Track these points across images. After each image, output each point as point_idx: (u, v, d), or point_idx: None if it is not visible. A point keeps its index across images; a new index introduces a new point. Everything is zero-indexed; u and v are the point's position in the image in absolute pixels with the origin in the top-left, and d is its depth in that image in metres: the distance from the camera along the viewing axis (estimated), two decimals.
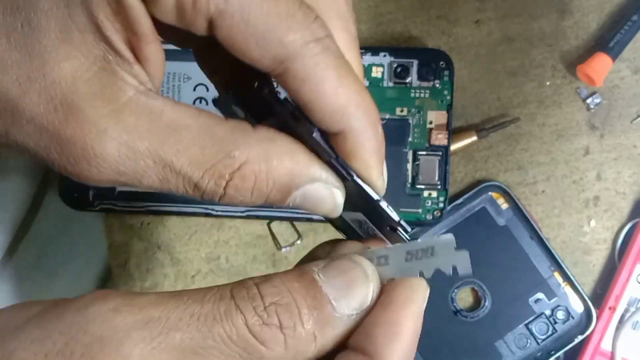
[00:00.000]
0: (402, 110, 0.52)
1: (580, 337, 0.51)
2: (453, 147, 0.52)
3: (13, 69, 0.25)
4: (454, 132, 0.52)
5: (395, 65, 0.52)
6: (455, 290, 0.52)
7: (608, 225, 0.53)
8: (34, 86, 0.25)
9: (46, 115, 0.25)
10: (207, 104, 0.53)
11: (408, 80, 0.52)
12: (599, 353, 0.51)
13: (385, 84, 0.52)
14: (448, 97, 0.52)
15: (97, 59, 0.25)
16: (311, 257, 0.30)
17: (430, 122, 0.52)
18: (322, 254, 0.30)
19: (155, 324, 0.24)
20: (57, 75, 0.25)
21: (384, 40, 0.54)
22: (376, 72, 0.52)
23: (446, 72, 0.52)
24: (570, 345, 0.51)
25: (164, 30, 0.27)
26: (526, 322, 0.51)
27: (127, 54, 0.26)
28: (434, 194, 0.51)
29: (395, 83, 0.52)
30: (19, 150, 0.26)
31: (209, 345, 0.24)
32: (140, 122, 0.25)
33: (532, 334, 0.51)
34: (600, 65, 0.51)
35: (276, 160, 0.27)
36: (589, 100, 0.53)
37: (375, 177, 0.29)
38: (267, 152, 0.26)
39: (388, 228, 0.28)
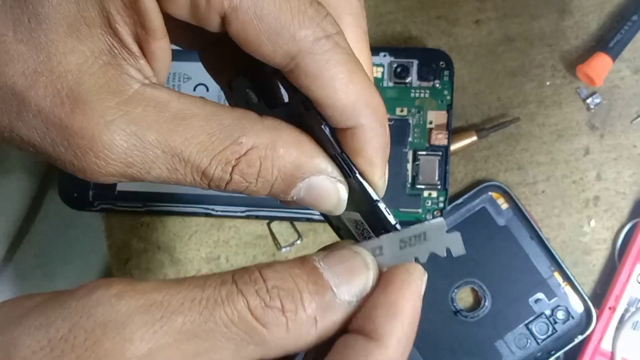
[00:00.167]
0: (402, 110, 0.52)
1: (580, 337, 0.51)
2: (453, 147, 0.52)
3: (19, 62, 0.25)
4: (454, 132, 0.52)
5: (395, 65, 0.52)
6: (455, 290, 0.52)
7: (608, 225, 0.53)
8: (41, 79, 0.25)
9: (53, 108, 0.25)
10: None
11: (408, 80, 0.52)
12: (599, 353, 0.51)
13: (385, 84, 0.52)
14: (448, 97, 0.52)
15: (102, 53, 0.26)
16: None
17: (430, 122, 0.52)
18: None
19: (157, 308, 0.24)
20: (63, 69, 0.25)
21: (384, 40, 0.54)
22: (376, 72, 0.52)
23: (446, 72, 0.52)
24: (570, 345, 0.51)
25: (171, 31, 0.27)
26: (526, 322, 0.51)
27: (134, 48, 0.26)
28: (434, 194, 0.51)
29: (395, 83, 0.52)
30: (22, 145, 0.26)
31: (210, 328, 0.24)
32: (148, 113, 0.26)
33: (532, 334, 0.51)
34: (600, 65, 0.51)
35: (282, 149, 0.27)
36: (589, 100, 0.53)
37: (377, 176, 0.29)
38: (273, 140, 0.27)
39: (383, 231, 0.29)
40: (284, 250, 0.54)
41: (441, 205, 0.51)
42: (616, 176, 0.53)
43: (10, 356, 0.23)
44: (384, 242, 0.28)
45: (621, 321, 0.51)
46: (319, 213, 0.31)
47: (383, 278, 0.27)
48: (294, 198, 0.28)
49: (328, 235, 0.53)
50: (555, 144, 0.53)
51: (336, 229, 0.32)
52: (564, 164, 0.53)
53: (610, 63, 0.52)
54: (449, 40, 0.54)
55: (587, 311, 0.51)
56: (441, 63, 0.52)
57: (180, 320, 0.24)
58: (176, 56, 0.30)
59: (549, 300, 0.51)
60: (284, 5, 0.26)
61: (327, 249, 0.30)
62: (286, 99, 0.30)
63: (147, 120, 0.26)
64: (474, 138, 0.52)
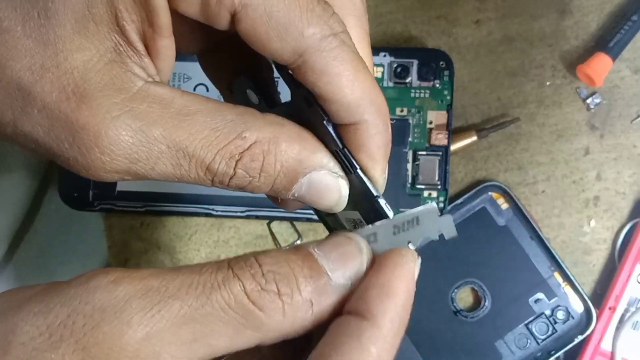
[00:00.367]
0: (402, 110, 0.52)
1: (580, 337, 0.51)
2: (453, 147, 0.52)
3: (26, 57, 0.25)
4: (454, 132, 0.52)
5: (395, 65, 0.52)
6: (455, 290, 0.52)
7: (608, 225, 0.53)
8: (47, 75, 0.25)
9: (58, 103, 0.25)
10: None
11: (408, 80, 0.52)
12: (599, 353, 0.51)
13: (385, 84, 0.52)
14: (448, 97, 0.52)
15: (107, 51, 0.26)
16: None
17: (430, 122, 0.52)
18: None
19: (154, 293, 0.24)
20: (69, 65, 0.25)
21: (384, 40, 0.54)
22: (376, 72, 0.52)
23: (446, 72, 0.52)
24: (570, 345, 0.51)
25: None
26: (526, 322, 0.52)
27: (140, 46, 0.26)
28: (434, 194, 0.51)
29: (395, 83, 0.52)
30: (25, 142, 0.27)
31: (207, 312, 0.24)
32: (153, 109, 0.26)
33: (532, 334, 0.51)
34: (600, 65, 0.51)
35: (285, 143, 0.27)
36: (589, 100, 0.53)
37: (378, 172, 0.29)
38: (276, 134, 0.27)
39: None
40: None
41: (441, 205, 0.51)
42: (616, 176, 0.53)
43: (10, 342, 0.23)
44: (377, 228, 0.28)
45: (621, 321, 0.51)
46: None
47: (376, 261, 0.27)
48: (296, 195, 0.28)
49: None
50: (555, 144, 0.53)
51: (332, 230, 0.32)
52: (564, 164, 0.53)
53: (610, 63, 0.52)
54: (449, 40, 0.54)
55: (587, 311, 0.51)
56: (441, 63, 0.52)
57: (178, 304, 0.24)
58: (176, 56, 0.30)
59: (549, 300, 0.51)
60: (293, 3, 0.26)
61: None
62: (284, 100, 0.30)
63: (152, 116, 0.26)
64: (474, 138, 0.52)
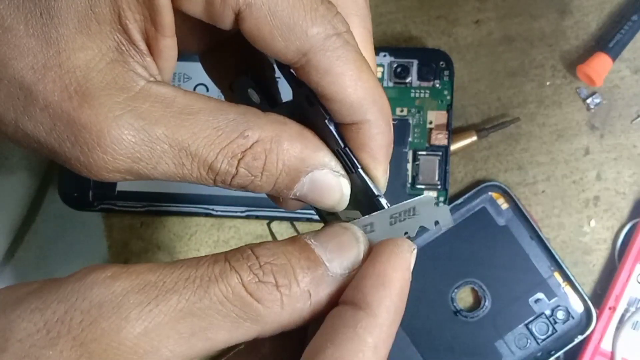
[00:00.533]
0: (402, 110, 0.52)
1: (580, 337, 0.51)
2: (453, 147, 0.52)
3: (29, 56, 0.25)
4: (454, 132, 0.52)
5: (395, 65, 0.52)
6: (455, 290, 0.52)
7: (608, 225, 0.53)
8: (49, 74, 0.25)
9: (61, 102, 0.25)
10: None
11: (408, 80, 0.52)
12: (599, 353, 0.51)
13: (385, 84, 0.52)
14: (448, 97, 0.52)
15: (110, 50, 0.26)
16: None
17: (430, 122, 0.52)
18: None
19: (151, 287, 0.24)
20: (72, 64, 0.25)
21: (384, 40, 0.54)
22: (376, 72, 0.52)
23: (446, 72, 0.52)
24: (570, 345, 0.51)
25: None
26: (526, 322, 0.51)
27: (142, 45, 0.26)
28: (434, 194, 0.51)
29: (395, 83, 0.52)
30: (27, 141, 0.27)
31: (205, 305, 0.24)
32: (155, 108, 0.26)
33: (532, 334, 0.51)
34: (600, 65, 0.51)
35: (287, 142, 0.27)
36: (589, 100, 0.53)
37: (380, 172, 0.29)
38: (278, 133, 0.27)
39: None
40: None
41: (443, 204, 0.51)
42: (616, 176, 0.53)
43: (7, 339, 0.23)
44: (374, 218, 0.28)
45: (621, 321, 0.51)
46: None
47: (372, 251, 0.27)
48: (297, 194, 0.28)
49: None
50: (555, 144, 0.53)
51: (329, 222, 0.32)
52: (564, 164, 0.53)
53: (610, 63, 0.52)
54: (449, 40, 0.54)
55: (587, 311, 0.51)
56: (441, 63, 0.52)
57: (175, 298, 0.24)
58: (178, 56, 0.30)
59: (549, 300, 0.51)
60: (297, 2, 0.26)
61: None
62: (285, 99, 0.30)
63: (154, 116, 0.26)
64: (474, 138, 0.52)
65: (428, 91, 0.52)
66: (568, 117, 0.53)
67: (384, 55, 0.52)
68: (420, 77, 0.52)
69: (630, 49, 0.52)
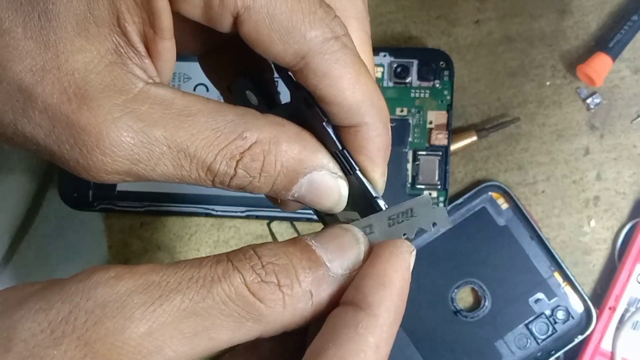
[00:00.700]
0: (402, 110, 0.52)
1: (580, 337, 0.51)
2: (453, 147, 0.52)
3: (27, 58, 0.25)
4: (454, 132, 0.52)
5: (395, 65, 0.52)
6: (455, 290, 0.52)
7: (608, 225, 0.53)
8: (48, 76, 0.25)
9: (60, 105, 0.25)
10: None
11: (408, 80, 0.52)
12: (599, 353, 0.51)
13: (385, 84, 0.52)
14: (448, 97, 0.52)
15: (108, 52, 0.26)
16: None
17: (430, 122, 0.52)
18: None
19: (155, 287, 0.24)
20: (70, 67, 0.25)
21: (384, 40, 0.54)
22: (376, 72, 0.52)
23: (446, 72, 0.52)
24: (570, 345, 0.51)
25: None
26: (526, 322, 0.52)
27: (140, 47, 0.26)
28: (434, 194, 0.51)
29: (395, 83, 0.52)
30: (26, 143, 0.27)
31: (208, 305, 0.25)
32: (154, 110, 0.26)
33: (532, 334, 0.51)
34: (600, 65, 0.51)
35: (285, 143, 0.27)
36: (589, 100, 0.53)
37: (378, 174, 0.29)
38: (276, 134, 0.27)
39: None
40: None
41: (441, 205, 0.51)
42: (616, 176, 0.53)
43: (11, 339, 0.23)
44: (373, 220, 0.29)
45: (621, 321, 0.51)
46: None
47: (372, 253, 0.28)
48: (295, 195, 0.28)
49: None
50: (555, 144, 0.53)
51: (329, 224, 0.32)
52: (564, 164, 0.53)
53: (610, 63, 0.52)
54: (449, 40, 0.54)
55: (587, 311, 0.51)
56: (441, 63, 0.52)
57: (179, 298, 0.24)
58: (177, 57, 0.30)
59: (549, 300, 0.51)
60: (295, 5, 0.26)
61: None
62: (284, 101, 0.30)
63: (153, 117, 0.26)
64: (474, 138, 0.52)
65: (428, 91, 0.52)
66: (568, 117, 0.53)
67: (384, 55, 0.52)
68: (420, 77, 0.52)
69: (630, 49, 0.52)
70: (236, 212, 0.53)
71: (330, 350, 0.25)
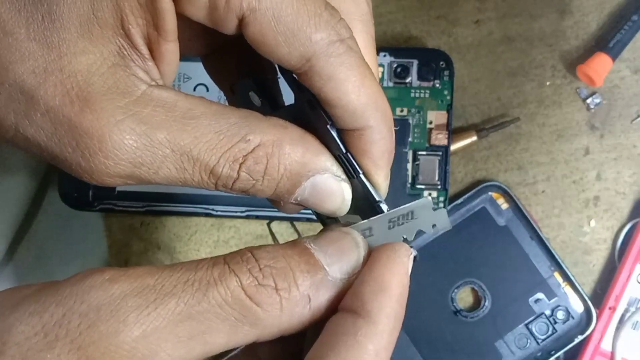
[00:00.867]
0: (402, 110, 0.52)
1: (580, 337, 0.51)
2: (453, 147, 0.52)
3: (30, 60, 0.25)
4: (454, 132, 0.52)
5: (395, 65, 0.52)
6: (455, 290, 0.52)
7: (608, 225, 0.53)
8: (51, 78, 0.25)
9: (62, 107, 0.25)
10: None
11: (408, 80, 0.52)
12: (599, 353, 0.51)
13: (385, 84, 0.52)
14: (448, 97, 0.52)
15: (111, 54, 0.26)
16: None
17: (430, 122, 0.52)
18: None
19: (150, 291, 0.24)
20: (73, 69, 0.25)
21: (384, 40, 0.54)
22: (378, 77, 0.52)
23: (446, 72, 0.52)
24: (570, 345, 0.51)
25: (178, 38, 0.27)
26: (526, 322, 0.52)
27: (144, 49, 0.26)
28: (434, 194, 0.51)
29: (395, 83, 0.52)
30: (27, 145, 0.26)
31: (204, 309, 0.24)
32: (157, 113, 0.26)
33: (532, 334, 0.51)
34: (600, 65, 0.51)
35: (288, 146, 0.27)
36: (589, 100, 0.53)
37: (382, 178, 0.29)
38: (280, 137, 0.27)
39: None
40: None
41: (441, 205, 0.51)
42: (616, 176, 0.53)
43: (5, 342, 0.23)
44: (373, 223, 0.28)
45: (621, 321, 0.51)
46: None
47: (370, 257, 0.27)
48: (299, 199, 0.28)
49: None
50: (555, 144, 0.53)
51: (328, 226, 0.32)
52: (564, 164, 0.53)
53: (610, 63, 0.52)
54: (449, 40, 0.54)
55: (587, 311, 0.51)
56: (441, 63, 0.52)
57: (174, 302, 0.24)
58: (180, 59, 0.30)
59: (549, 300, 0.51)
60: (301, 8, 0.26)
61: None
62: (287, 102, 0.30)
63: (156, 120, 0.26)
64: (474, 138, 0.52)
65: (428, 91, 0.52)
66: (568, 117, 0.53)
67: (384, 55, 0.52)
68: (420, 77, 0.52)
69: (630, 49, 0.52)
70: (236, 212, 0.53)
71: (329, 358, 0.25)
